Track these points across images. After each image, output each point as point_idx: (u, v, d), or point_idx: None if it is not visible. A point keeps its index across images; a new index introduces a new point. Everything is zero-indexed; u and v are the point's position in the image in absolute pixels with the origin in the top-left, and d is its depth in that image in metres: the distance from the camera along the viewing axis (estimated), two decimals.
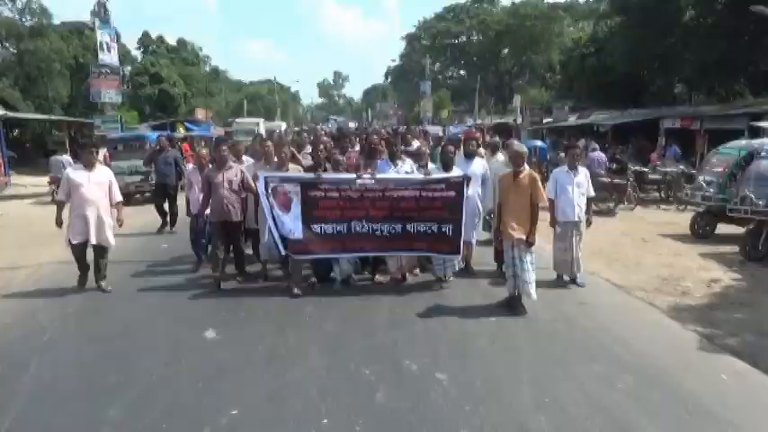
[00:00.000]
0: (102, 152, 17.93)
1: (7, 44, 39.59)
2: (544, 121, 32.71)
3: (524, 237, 6.05)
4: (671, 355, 5.18)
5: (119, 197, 7.16)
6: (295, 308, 6.34)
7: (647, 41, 26.64)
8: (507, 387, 4.45)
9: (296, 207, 6.62)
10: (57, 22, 42.23)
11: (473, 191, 7.21)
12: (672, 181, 15.21)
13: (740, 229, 9.76)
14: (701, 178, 11.29)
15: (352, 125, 27.32)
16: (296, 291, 6.71)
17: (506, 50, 55.18)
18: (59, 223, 6.84)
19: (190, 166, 9.40)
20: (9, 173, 19.48)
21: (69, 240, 6.84)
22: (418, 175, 6.97)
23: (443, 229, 6.71)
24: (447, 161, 7.08)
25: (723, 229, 10.43)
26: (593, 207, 7.84)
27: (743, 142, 11.72)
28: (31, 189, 18.90)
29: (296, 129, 26.59)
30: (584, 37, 39.97)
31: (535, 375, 4.64)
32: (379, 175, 6.85)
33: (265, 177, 6.62)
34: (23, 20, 40.50)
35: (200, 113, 40.54)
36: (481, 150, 8.66)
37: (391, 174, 7.10)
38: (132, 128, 27.57)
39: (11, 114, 23.83)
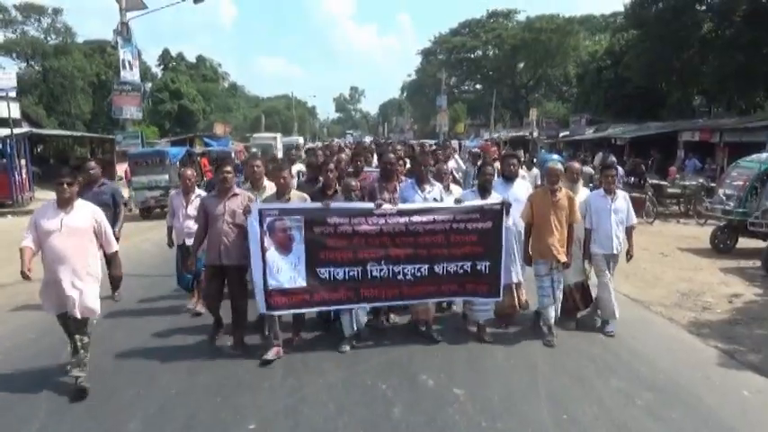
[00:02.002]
0: (123, 167, 18.26)
1: (32, 62, 40.72)
2: (561, 134, 32.63)
3: (567, 259, 5.69)
4: (691, 371, 5.12)
5: (112, 245, 4.95)
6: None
7: (665, 54, 26.50)
8: (525, 403, 4.42)
9: (298, 247, 5.23)
10: (80, 40, 43.47)
11: (518, 221, 5.97)
12: (691, 194, 15.05)
13: (762, 244, 9.61)
14: (721, 192, 11.17)
15: (367, 140, 27.32)
16: (270, 356, 5.19)
17: (522, 64, 55.14)
18: (25, 276, 4.60)
19: (173, 191, 7.84)
20: (33, 188, 19.88)
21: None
22: (448, 203, 5.72)
23: (479, 267, 5.57)
24: (485, 184, 5.87)
25: (744, 243, 10.29)
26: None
27: (764, 155, 11.58)
28: None
29: (308, 146, 25.98)
30: (600, 50, 39.88)
31: (553, 391, 4.61)
32: (402, 205, 5.53)
33: (261, 210, 5.17)
34: (48, 39, 41.68)
35: (218, 129, 41.09)
36: (523, 171, 7.77)
37: (417, 201, 5.75)
38: (152, 143, 28.02)
39: (35, 131, 24.37)
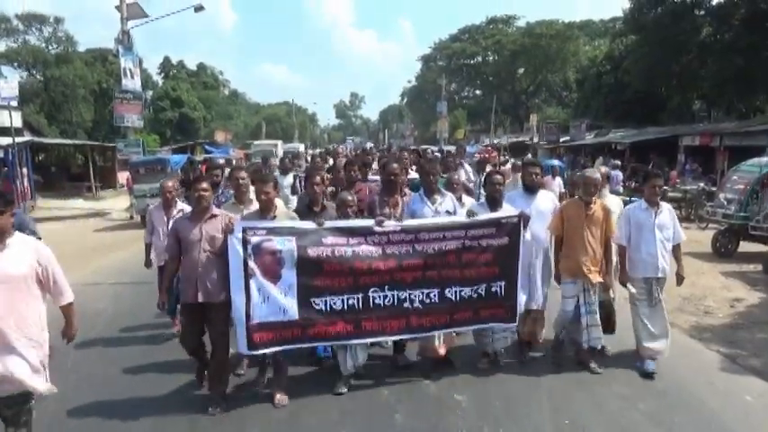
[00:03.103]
0: (125, 175, 18.31)
1: (34, 71, 40.87)
2: (561, 139, 32.65)
3: (602, 279, 5.12)
4: (693, 375, 5.13)
5: (65, 296, 3.66)
6: None
7: (664, 59, 26.58)
8: (527, 408, 4.43)
9: (289, 273, 4.43)
10: (82, 49, 43.63)
11: (543, 236, 5.34)
12: (692, 199, 15.06)
13: (763, 247, 9.62)
14: (721, 196, 11.18)
15: (369, 146, 27.18)
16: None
17: (522, 70, 55.27)
18: None
19: (151, 205, 6.73)
20: (35, 196, 19.94)
21: None
22: (460, 217, 4.99)
23: (494, 289, 4.91)
24: (495, 195, 5.15)
25: (745, 247, 10.28)
26: None
27: (764, 159, 11.60)
28: (56, 212, 19.31)
29: (313, 151, 25.00)
30: (600, 55, 39.99)
31: (555, 396, 4.62)
32: (408, 221, 4.84)
33: (245, 228, 4.37)
34: (50, 47, 41.85)
35: (219, 136, 41.15)
36: (550, 179, 7.21)
37: (427, 216, 5.04)
38: (153, 151, 28.10)
39: (37, 139, 24.49)
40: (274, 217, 4.63)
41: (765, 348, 5.73)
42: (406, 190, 5.69)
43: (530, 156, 23.80)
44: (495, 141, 38.32)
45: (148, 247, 6.16)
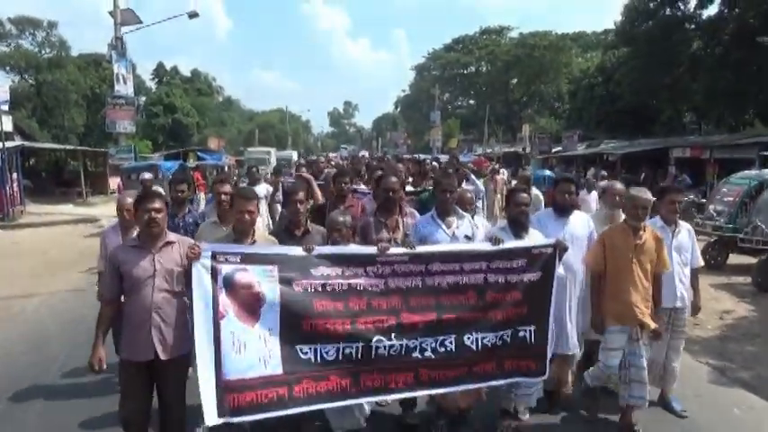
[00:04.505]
0: (116, 181, 18.26)
1: (26, 75, 40.73)
2: (553, 150, 32.87)
3: (657, 325, 4.18)
4: (682, 387, 5.10)
5: None
6: None
7: (655, 71, 26.89)
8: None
9: (270, 313, 3.45)
10: (75, 53, 43.54)
11: (578, 267, 4.42)
12: (682, 210, 15.13)
13: (752, 259, 9.68)
14: (711, 208, 11.25)
15: (362, 154, 26.79)
16: None
17: (515, 80, 55.69)
18: None
19: (107, 225, 5.61)
20: (24, 202, 19.79)
21: None
22: (482, 244, 4.04)
23: (522, 334, 3.95)
24: (520, 218, 4.23)
25: (735, 259, 10.35)
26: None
27: (753, 172, 11.71)
28: (46, 218, 19.15)
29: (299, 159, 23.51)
30: (592, 67, 40.38)
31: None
32: (420, 247, 3.86)
33: (215, 253, 3.40)
34: (42, 52, 41.73)
35: (212, 143, 41.05)
36: (585, 196, 6.55)
37: (443, 242, 4.14)
38: (145, 157, 28.00)
39: (28, 144, 24.30)
40: (253, 243, 3.75)
41: (754, 361, 5.74)
42: (407, 209, 4.74)
43: (531, 167, 23.89)
44: (488, 151, 38.49)
45: (101, 276, 4.76)
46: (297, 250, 3.60)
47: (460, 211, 4.40)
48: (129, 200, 4.58)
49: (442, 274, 3.79)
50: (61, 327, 6.89)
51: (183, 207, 5.11)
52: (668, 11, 28.02)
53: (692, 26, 27.85)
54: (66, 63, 40.55)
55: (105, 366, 3.45)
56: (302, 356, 3.49)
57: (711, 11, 26.93)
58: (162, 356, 3.34)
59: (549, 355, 4.04)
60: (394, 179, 4.64)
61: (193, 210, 5.28)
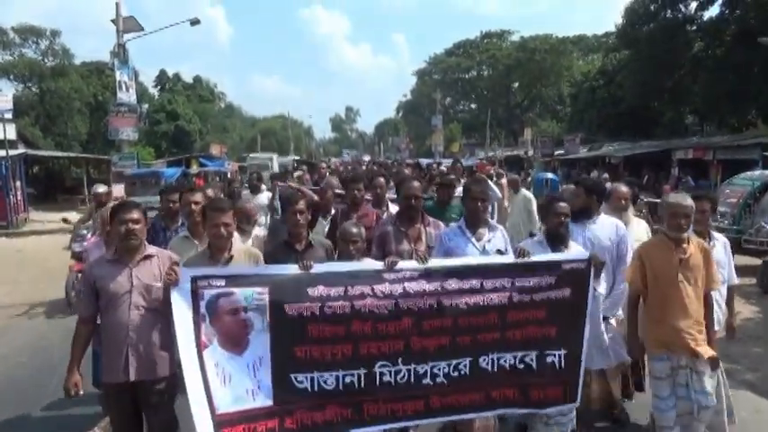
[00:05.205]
0: (119, 188, 18.34)
1: (30, 84, 40.93)
2: (555, 153, 32.86)
3: (711, 351, 3.59)
4: None
5: None
6: None
7: (657, 74, 26.90)
8: None
9: (259, 340, 3.14)
10: (78, 61, 43.75)
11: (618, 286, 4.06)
12: None
13: (757, 261, 9.63)
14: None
15: (366, 158, 26.03)
16: None
17: (516, 84, 55.85)
18: None
19: (90, 238, 5.39)
20: (28, 209, 19.86)
21: None
22: (505, 257, 3.71)
23: (550, 359, 3.52)
24: (559, 230, 3.78)
25: (739, 260, 10.29)
26: None
27: (756, 173, 11.68)
28: (49, 225, 19.21)
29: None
30: (593, 70, 40.43)
31: None
32: (432, 261, 3.48)
33: (195, 277, 3.11)
34: (46, 60, 41.93)
35: (214, 149, 41.21)
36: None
37: (471, 255, 3.74)
38: (148, 164, 28.10)
39: (31, 152, 24.41)
40: (230, 259, 3.41)
41: (760, 363, 5.71)
42: (430, 218, 4.30)
43: (534, 170, 23.84)
44: (491, 155, 38.52)
45: (79, 294, 4.58)
46: (291, 269, 3.25)
47: (493, 222, 3.88)
48: (105, 213, 4.18)
49: (460, 293, 3.35)
50: (61, 336, 6.87)
51: (177, 219, 4.61)
52: (669, 13, 28.07)
53: (694, 28, 27.87)
54: (70, 71, 40.71)
55: (82, 392, 3.27)
56: (297, 386, 3.16)
57: (712, 12, 27.01)
58: (139, 378, 3.12)
59: (580, 382, 3.56)
60: (416, 184, 4.26)
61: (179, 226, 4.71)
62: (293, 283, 3.19)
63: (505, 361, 3.45)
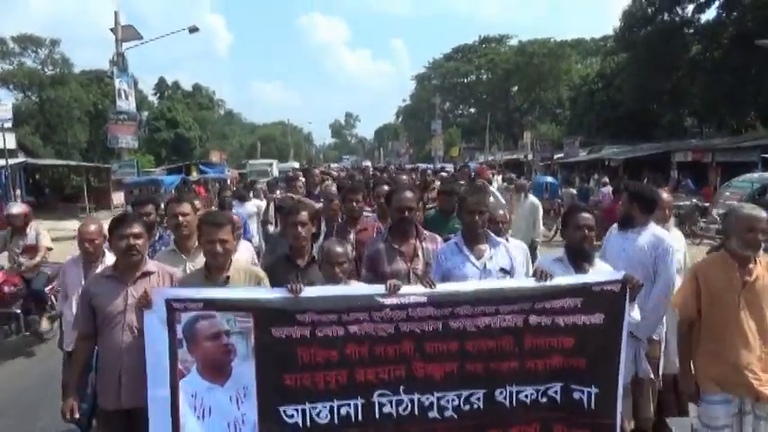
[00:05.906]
0: (119, 196, 18.39)
1: (29, 93, 41.09)
2: (555, 156, 32.88)
3: None
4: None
5: None
6: None
7: (655, 76, 26.97)
8: None
9: (243, 368, 2.81)
10: (77, 70, 43.93)
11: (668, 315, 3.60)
12: (685, 215, 15.11)
13: None
14: (715, 212, 11.23)
15: (366, 164, 25.69)
16: None
17: (515, 88, 55.98)
18: None
19: (68, 257, 4.50)
20: None
21: None
22: (525, 280, 3.17)
23: (577, 396, 2.99)
24: (583, 246, 3.25)
25: None
26: None
27: (755, 175, 11.70)
28: (49, 234, 19.23)
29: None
30: (592, 73, 40.54)
31: None
32: (442, 286, 3.01)
33: (170, 300, 2.80)
34: (45, 69, 42.10)
35: (214, 156, 41.27)
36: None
37: (471, 276, 3.26)
38: (148, 172, 28.14)
39: (31, 161, 24.47)
40: (227, 279, 3.07)
41: None
42: (425, 232, 3.78)
43: (536, 175, 23.83)
44: (490, 159, 38.57)
45: (61, 320, 4.40)
46: (278, 292, 2.87)
47: (494, 236, 3.43)
48: (93, 227, 4.01)
49: (471, 316, 2.90)
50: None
51: (152, 232, 4.16)
52: (666, 16, 28.19)
53: (691, 31, 27.97)
54: (69, 80, 40.87)
55: (78, 415, 3.02)
56: (287, 420, 2.80)
57: (709, 15, 27.11)
58: (132, 405, 2.86)
59: (618, 423, 2.99)
60: (409, 194, 3.65)
61: (166, 235, 4.31)
62: (280, 308, 2.83)
63: (525, 395, 2.97)
